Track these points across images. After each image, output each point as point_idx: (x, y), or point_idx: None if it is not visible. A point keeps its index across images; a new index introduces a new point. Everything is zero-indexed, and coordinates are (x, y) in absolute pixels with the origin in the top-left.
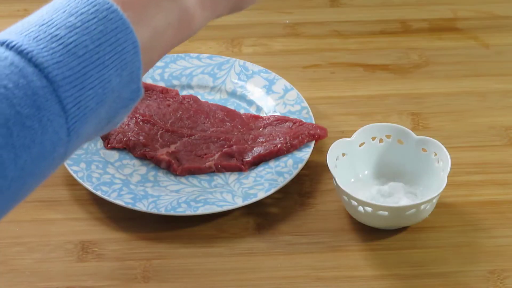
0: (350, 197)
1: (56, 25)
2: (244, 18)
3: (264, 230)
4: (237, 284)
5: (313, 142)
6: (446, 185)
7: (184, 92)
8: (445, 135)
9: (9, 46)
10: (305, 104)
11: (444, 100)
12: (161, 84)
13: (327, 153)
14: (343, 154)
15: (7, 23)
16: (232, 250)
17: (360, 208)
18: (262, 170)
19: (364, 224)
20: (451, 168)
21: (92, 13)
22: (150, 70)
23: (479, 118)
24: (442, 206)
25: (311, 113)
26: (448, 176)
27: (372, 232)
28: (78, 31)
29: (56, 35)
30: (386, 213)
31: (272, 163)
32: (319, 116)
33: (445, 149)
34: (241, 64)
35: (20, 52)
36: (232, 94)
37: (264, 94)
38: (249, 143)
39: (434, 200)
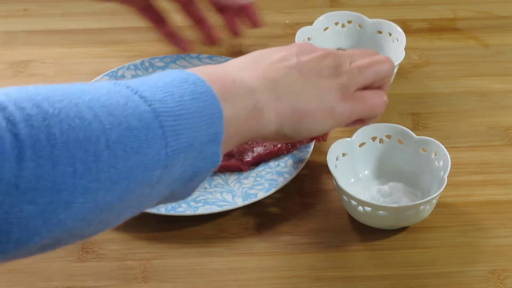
0: (350, 197)
1: (154, 80)
2: None
3: (264, 230)
4: (237, 284)
5: (313, 142)
6: (446, 185)
7: None
8: (445, 135)
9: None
10: None
11: (444, 100)
12: None
13: (327, 153)
14: (343, 154)
15: (7, 23)
16: (232, 250)
17: (360, 208)
18: (262, 170)
19: (364, 224)
20: (451, 168)
21: (184, 78)
22: (151, 70)
23: (479, 118)
24: (442, 206)
25: None
26: (448, 176)
27: (372, 232)
28: (172, 85)
29: (155, 85)
30: (386, 213)
31: (272, 163)
32: None
33: (445, 149)
34: None
35: (128, 87)
36: None
37: None
38: (249, 143)
39: (434, 200)
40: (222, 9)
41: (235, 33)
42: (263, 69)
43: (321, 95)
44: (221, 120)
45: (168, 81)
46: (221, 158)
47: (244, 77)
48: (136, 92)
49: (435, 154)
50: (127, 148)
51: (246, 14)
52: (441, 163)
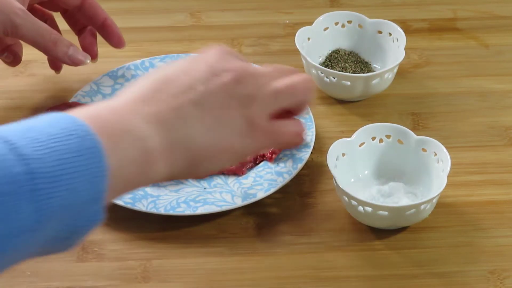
0: (350, 197)
1: (39, 131)
2: (244, 18)
3: (264, 230)
4: (237, 284)
5: (313, 142)
6: (446, 185)
7: None
8: (445, 135)
9: None
10: None
11: (444, 100)
12: None
13: (327, 153)
14: (343, 154)
15: None
16: (232, 250)
17: (360, 208)
18: (261, 170)
19: (364, 224)
20: (451, 168)
21: (72, 130)
22: (151, 70)
23: (479, 118)
24: (442, 206)
25: (311, 113)
26: (448, 176)
27: (372, 232)
28: (57, 139)
29: (37, 139)
30: (386, 213)
31: (271, 163)
32: (319, 116)
33: (445, 149)
34: None
35: (6, 141)
36: None
37: None
38: None
39: (434, 200)
40: (80, 30)
41: (91, 56)
42: (163, 105)
43: (222, 131)
44: (105, 178)
45: (54, 133)
46: (103, 216)
47: (138, 122)
48: (14, 148)
49: (435, 154)
50: None
51: (106, 34)
52: (441, 163)
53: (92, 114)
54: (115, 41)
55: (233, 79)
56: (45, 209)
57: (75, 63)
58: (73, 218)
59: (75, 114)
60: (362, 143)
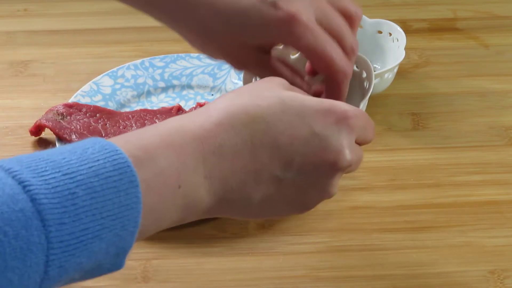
0: None
1: (78, 180)
2: None
3: (264, 230)
4: (237, 284)
5: None
6: (446, 185)
7: (185, 92)
8: (445, 135)
9: (25, 189)
10: None
11: (444, 100)
12: (161, 84)
13: None
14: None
15: (7, 23)
16: (232, 250)
17: None
18: None
19: (363, 224)
20: (451, 168)
21: (114, 182)
22: (151, 70)
23: (479, 118)
24: (442, 206)
25: None
26: (448, 176)
27: (372, 232)
28: (94, 196)
29: (74, 193)
30: None
31: None
32: None
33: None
34: None
35: (33, 200)
36: None
37: None
38: None
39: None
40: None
41: None
42: (238, 161)
43: (280, 207)
44: (132, 239)
45: (94, 183)
46: (123, 267)
47: (196, 176)
48: (34, 201)
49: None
50: None
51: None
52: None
53: (143, 146)
54: None
55: (335, 171)
56: (52, 279)
57: None
58: (89, 271)
59: (123, 145)
60: None
